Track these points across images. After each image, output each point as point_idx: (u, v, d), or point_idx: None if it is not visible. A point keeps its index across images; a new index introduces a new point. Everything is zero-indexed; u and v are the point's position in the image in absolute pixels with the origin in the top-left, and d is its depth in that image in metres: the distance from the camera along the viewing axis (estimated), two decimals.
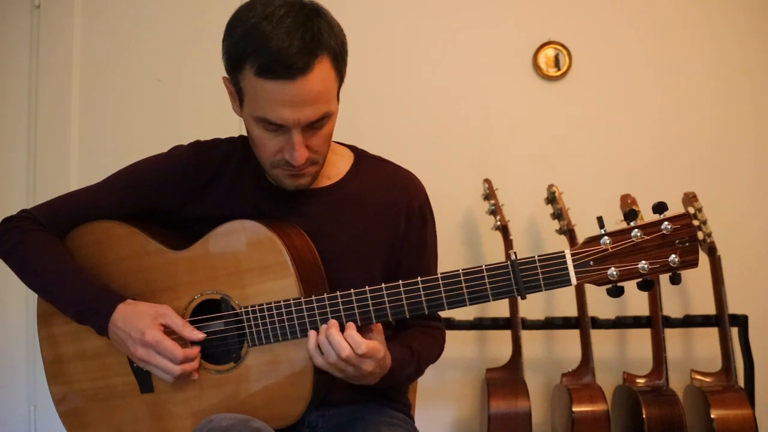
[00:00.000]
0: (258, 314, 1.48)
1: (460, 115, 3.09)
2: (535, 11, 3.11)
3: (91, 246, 1.64)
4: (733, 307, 2.78)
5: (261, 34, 1.39)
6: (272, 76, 1.38)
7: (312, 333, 1.42)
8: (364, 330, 1.44)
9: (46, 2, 3.09)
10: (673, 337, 2.93)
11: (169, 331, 1.51)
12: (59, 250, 1.62)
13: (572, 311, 2.81)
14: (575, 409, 2.60)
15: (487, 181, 2.87)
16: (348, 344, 1.38)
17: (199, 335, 1.51)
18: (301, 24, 1.40)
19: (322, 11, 1.46)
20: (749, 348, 2.76)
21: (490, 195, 2.84)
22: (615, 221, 1.35)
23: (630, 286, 1.35)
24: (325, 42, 1.41)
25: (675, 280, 1.32)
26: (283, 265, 1.47)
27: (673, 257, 1.29)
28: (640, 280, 1.33)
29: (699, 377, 2.75)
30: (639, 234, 1.30)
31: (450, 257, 2.73)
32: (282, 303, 1.46)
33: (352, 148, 1.71)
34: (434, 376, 3.00)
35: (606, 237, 1.32)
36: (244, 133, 1.70)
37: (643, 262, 1.30)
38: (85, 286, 1.56)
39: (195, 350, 1.51)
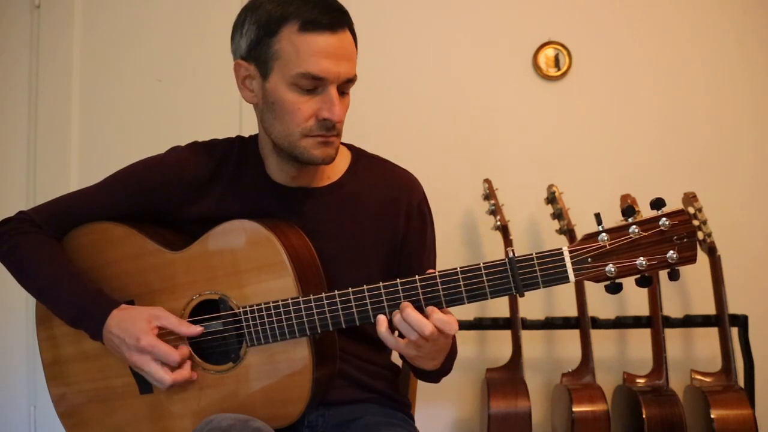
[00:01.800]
0: (256, 314, 1.48)
1: (460, 115, 3.09)
2: (535, 11, 3.11)
3: (89, 247, 1.64)
4: (733, 307, 2.78)
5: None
6: (318, 28, 1.45)
7: (381, 318, 1.39)
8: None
9: (46, 2, 3.10)
10: (673, 337, 2.92)
11: (165, 333, 1.51)
12: (56, 253, 1.62)
13: (572, 311, 2.81)
14: (575, 409, 2.60)
15: (487, 181, 2.87)
16: (429, 322, 1.36)
17: (196, 329, 1.51)
18: None
19: None
20: (749, 348, 2.76)
21: (490, 195, 2.84)
22: (615, 221, 1.34)
23: (629, 284, 1.35)
24: (348, 13, 1.52)
25: (673, 276, 1.32)
26: (281, 264, 1.47)
27: (671, 253, 1.29)
28: (639, 276, 1.32)
29: (699, 377, 2.75)
30: (637, 230, 1.30)
31: (450, 257, 2.73)
32: (280, 303, 1.46)
33: (350, 147, 1.71)
34: None
35: (604, 234, 1.31)
36: (244, 134, 1.71)
37: (641, 258, 1.30)
38: (79, 290, 1.56)
39: (186, 351, 1.51)
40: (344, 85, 1.51)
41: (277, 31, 1.47)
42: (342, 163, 1.66)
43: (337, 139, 1.54)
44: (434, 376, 1.63)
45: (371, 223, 1.62)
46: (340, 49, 1.47)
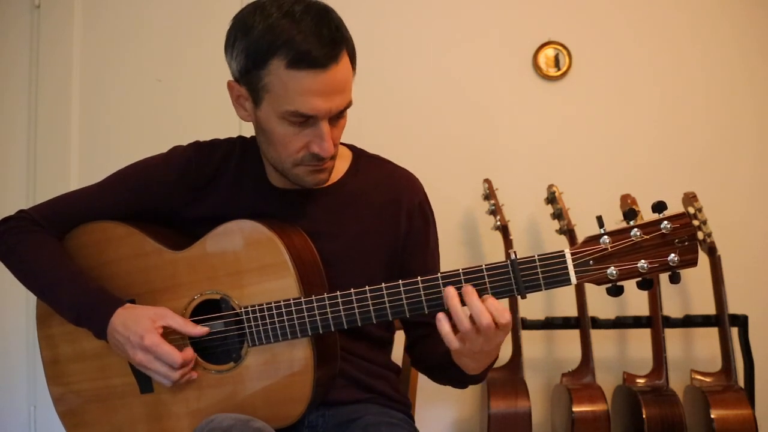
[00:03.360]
0: (258, 314, 1.48)
1: (460, 115, 3.09)
2: (535, 11, 3.11)
3: (90, 246, 1.64)
4: (733, 307, 2.78)
5: (287, 28, 1.41)
6: (305, 65, 1.40)
7: (442, 316, 1.34)
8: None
9: (46, 2, 3.09)
10: (673, 337, 2.92)
11: (169, 332, 1.51)
12: (58, 251, 1.62)
13: (572, 311, 2.81)
14: (575, 409, 2.60)
15: (487, 181, 2.87)
16: (487, 311, 1.32)
17: (203, 330, 1.51)
18: (321, 19, 1.43)
19: (330, 8, 1.48)
20: (749, 348, 2.76)
21: (490, 195, 2.84)
22: (615, 221, 1.34)
23: (630, 285, 1.35)
24: (344, 35, 1.45)
25: (674, 279, 1.32)
26: (283, 265, 1.47)
27: (672, 256, 1.29)
28: (640, 279, 1.33)
29: (699, 377, 2.75)
30: (638, 233, 1.30)
31: (450, 257, 2.72)
32: (282, 303, 1.46)
33: (351, 147, 1.71)
34: None
35: (605, 236, 1.31)
36: (244, 134, 1.70)
37: (643, 261, 1.30)
38: (83, 289, 1.56)
39: (191, 353, 1.51)
40: (340, 113, 1.49)
41: (265, 64, 1.42)
42: (343, 163, 1.66)
43: (331, 162, 1.54)
44: (467, 380, 1.56)
45: (372, 223, 1.62)
46: (331, 86, 1.43)
